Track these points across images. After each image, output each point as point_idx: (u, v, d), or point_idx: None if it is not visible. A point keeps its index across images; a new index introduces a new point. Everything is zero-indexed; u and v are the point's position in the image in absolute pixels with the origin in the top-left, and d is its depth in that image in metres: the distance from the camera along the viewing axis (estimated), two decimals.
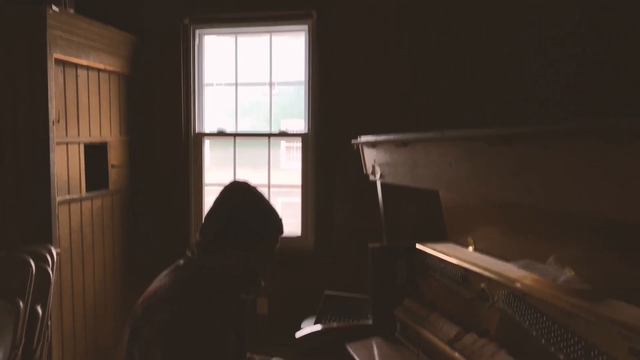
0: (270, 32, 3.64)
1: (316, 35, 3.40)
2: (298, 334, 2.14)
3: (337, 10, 3.34)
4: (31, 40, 2.77)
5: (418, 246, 2.14)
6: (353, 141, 2.24)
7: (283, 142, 4.39)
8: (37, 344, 2.56)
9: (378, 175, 2.13)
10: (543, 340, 1.42)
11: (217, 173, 4.22)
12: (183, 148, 3.67)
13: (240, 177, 3.74)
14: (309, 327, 2.21)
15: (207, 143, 3.83)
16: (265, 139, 3.71)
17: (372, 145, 2.12)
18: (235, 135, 3.75)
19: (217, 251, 1.47)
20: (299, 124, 3.67)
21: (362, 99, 3.35)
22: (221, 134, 3.77)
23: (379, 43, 3.29)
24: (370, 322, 2.20)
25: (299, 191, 3.62)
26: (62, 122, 3.06)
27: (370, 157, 2.18)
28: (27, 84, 2.84)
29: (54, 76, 2.89)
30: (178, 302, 1.37)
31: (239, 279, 1.49)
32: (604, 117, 1.01)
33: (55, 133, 2.95)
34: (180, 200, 3.66)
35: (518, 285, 1.54)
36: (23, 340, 2.48)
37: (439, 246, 2.07)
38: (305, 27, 3.49)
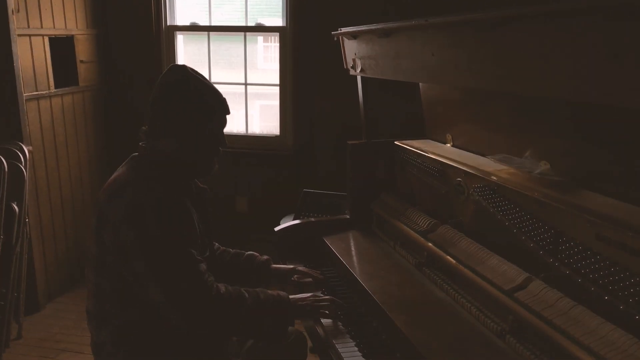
0: None
1: None
2: (277, 228, 2.18)
3: None
4: None
5: (397, 142, 2.14)
6: (333, 33, 2.14)
7: (260, 39, 4.20)
8: (16, 239, 2.58)
9: (359, 69, 2.07)
10: (515, 230, 1.46)
11: None
12: (154, 42, 3.50)
13: (217, 77, 3.63)
14: (287, 222, 2.24)
15: (180, 38, 3.65)
16: (241, 35, 3.54)
17: (353, 36, 2.02)
18: (209, 29, 3.56)
19: (164, 135, 1.45)
20: (277, 22, 3.49)
21: None
22: (194, 27, 3.58)
23: None
24: (347, 216, 2.25)
25: (277, 93, 3.52)
26: (23, 12, 2.86)
27: (351, 50, 2.10)
28: None
29: None
30: (137, 183, 1.41)
31: (189, 160, 1.49)
32: None
33: (16, 24, 2.77)
34: None
35: (494, 178, 1.56)
36: (1, 236, 2.49)
37: (418, 143, 2.07)
38: None
